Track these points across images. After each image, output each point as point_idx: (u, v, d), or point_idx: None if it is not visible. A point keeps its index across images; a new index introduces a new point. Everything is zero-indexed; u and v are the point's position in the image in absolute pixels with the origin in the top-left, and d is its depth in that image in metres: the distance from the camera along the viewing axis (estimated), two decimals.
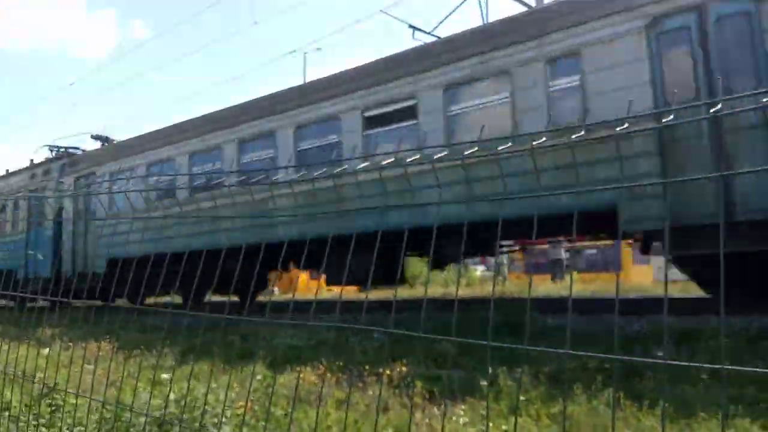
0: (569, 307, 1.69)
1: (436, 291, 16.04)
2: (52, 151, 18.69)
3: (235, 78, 50.00)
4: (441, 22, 25.16)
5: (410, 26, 11.58)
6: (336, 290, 14.86)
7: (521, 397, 4.20)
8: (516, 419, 3.08)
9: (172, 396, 3.08)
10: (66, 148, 18.61)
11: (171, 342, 6.84)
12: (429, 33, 11.34)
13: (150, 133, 14.60)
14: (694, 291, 10.89)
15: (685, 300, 9.71)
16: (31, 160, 19.12)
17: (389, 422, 3.83)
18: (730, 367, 1.36)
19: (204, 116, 13.22)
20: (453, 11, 19.52)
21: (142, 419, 2.87)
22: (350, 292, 15.13)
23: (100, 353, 6.28)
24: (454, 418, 3.72)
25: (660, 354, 5.03)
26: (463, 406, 4.00)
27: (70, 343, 6.32)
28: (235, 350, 6.55)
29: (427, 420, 3.71)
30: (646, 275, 19.43)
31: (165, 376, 4.74)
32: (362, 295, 13.79)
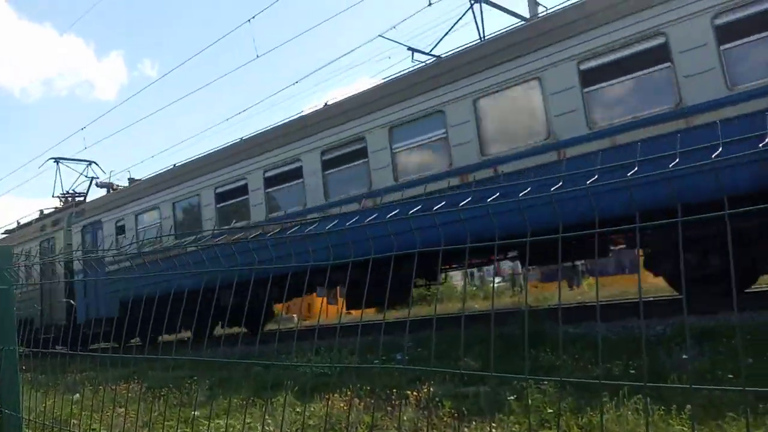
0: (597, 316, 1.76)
1: (454, 306, 15.97)
2: (61, 200, 19.47)
3: (241, 113, 50.65)
4: (439, 42, 25.50)
5: (409, 48, 11.76)
6: (354, 314, 14.90)
7: (549, 410, 4.24)
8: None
9: None
10: (73, 195, 19.33)
11: (197, 378, 6.91)
12: (428, 53, 11.51)
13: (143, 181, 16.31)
14: None
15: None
16: (41, 211, 19.70)
17: None
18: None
19: (183, 165, 14.77)
20: (450, 30, 19.80)
21: None
22: (367, 314, 15.14)
23: (129, 395, 6.36)
24: None
25: (684, 357, 5.07)
26: (493, 424, 4.04)
27: (100, 387, 6.39)
28: (261, 382, 6.60)
29: None
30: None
31: (195, 413, 4.81)
32: (379, 316, 13.82)
